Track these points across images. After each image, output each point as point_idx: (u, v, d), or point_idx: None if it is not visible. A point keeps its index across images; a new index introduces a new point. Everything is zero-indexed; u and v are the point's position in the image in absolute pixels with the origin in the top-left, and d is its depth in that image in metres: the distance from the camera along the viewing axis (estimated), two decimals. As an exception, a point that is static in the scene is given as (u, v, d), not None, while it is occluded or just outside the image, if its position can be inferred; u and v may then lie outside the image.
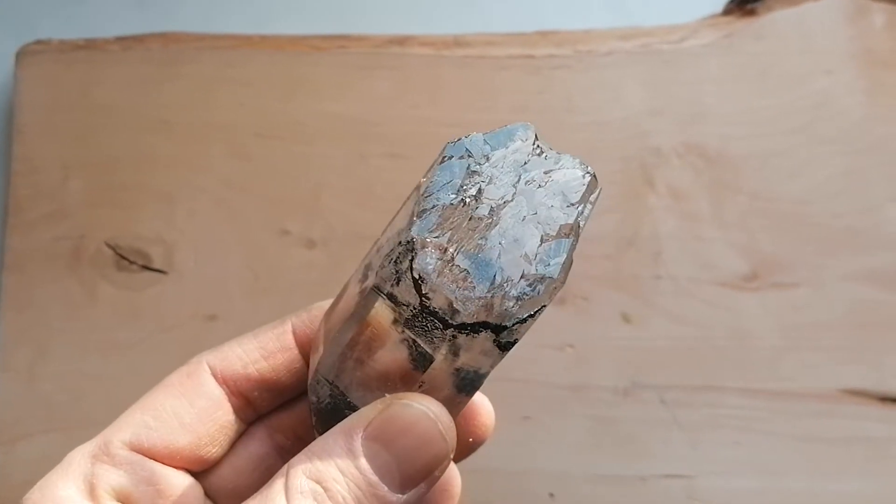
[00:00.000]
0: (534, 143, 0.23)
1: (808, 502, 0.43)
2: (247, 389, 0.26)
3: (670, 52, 0.50)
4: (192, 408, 0.25)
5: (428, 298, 0.21)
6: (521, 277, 0.21)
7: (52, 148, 0.49)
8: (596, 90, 0.49)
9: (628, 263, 0.47)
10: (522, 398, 0.45)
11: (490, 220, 0.21)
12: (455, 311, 0.21)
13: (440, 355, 0.22)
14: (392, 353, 0.22)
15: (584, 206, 0.22)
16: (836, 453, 0.44)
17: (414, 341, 0.22)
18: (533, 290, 0.21)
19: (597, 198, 0.23)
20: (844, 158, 0.48)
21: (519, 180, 0.22)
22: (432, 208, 0.21)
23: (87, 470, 0.24)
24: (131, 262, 0.47)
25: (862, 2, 0.50)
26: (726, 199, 0.48)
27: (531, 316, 0.22)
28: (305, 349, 0.27)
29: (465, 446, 0.28)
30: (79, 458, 0.24)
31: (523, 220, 0.22)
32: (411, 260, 0.21)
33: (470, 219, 0.21)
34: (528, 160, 0.22)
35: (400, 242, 0.21)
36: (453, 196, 0.21)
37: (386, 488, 0.22)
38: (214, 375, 0.26)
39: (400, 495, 0.22)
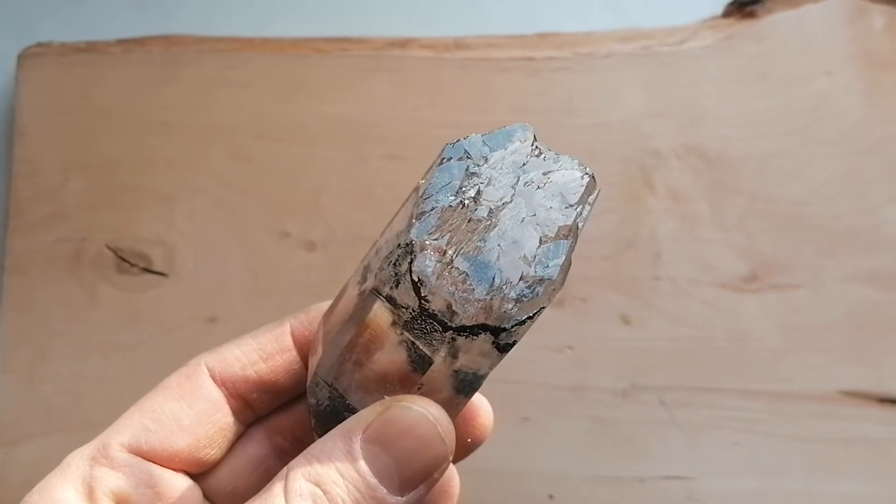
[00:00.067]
0: (532, 144, 0.23)
1: (808, 503, 0.43)
2: (245, 391, 0.26)
3: (670, 54, 0.50)
4: (190, 410, 0.25)
5: (427, 301, 0.21)
6: (520, 279, 0.21)
7: (52, 150, 0.49)
8: (596, 92, 0.50)
9: (628, 265, 0.47)
10: (521, 399, 0.45)
11: (489, 222, 0.21)
12: (454, 314, 0.21)
13: (439, 357, 0.22)
14: (391, 355, 0.22)
15: (583, 208, 0.22)
16: (836, 454, 0.44)
17: (413, 343, 0.22)
18: (532, 292, 0.21)
19: (595, 199, 0.23)
20: (844, 160, 0.48)
21: (518, 181, 0.22)
22: (431, 210, 0.21)
23: (86, 472, 0.24)
24: (132, 265, 0.47)
25: (861, 3, 0.50)
26: (726, 200, 0.48)
27: (530, 318, 0.22)
28: (304, 351, 0.27)
29: (464, 447, 0.28)
30: (77, 461, 0.24)
31: (522, 221, 0.22)
32: (410, 262, 0.21)
33: (469, 220, 0.21)
34: (527, 161, 0.22)
35: (399, 245, 0.21)
36: (452, 198, 0.21)
37: (385, 490, 0.22)
38: (213, 377, 0.26)
39: (399, 497, 0.22)
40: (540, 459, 0.44)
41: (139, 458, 0.24)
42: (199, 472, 0.26)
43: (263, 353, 0.26)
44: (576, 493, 0.43)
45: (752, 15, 0.51)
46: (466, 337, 0.21)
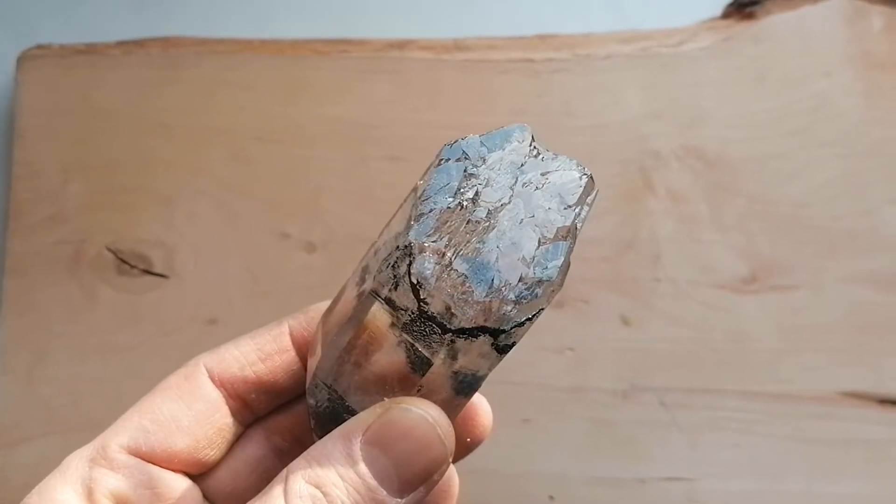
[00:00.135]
0: (530, 145, 0.23)
1: (808, 504, 0.43)
2: (244, 392, 0.26)
3: (669, 55, 0.50)
4: (189, 411, 0.25)
5: (426, 303, 0.21)
6: (519, 281, 0.21)
7: (52, 152, 0.49)
8: (595, 93, 0.50)
9: (627, 266, 0.47)
10: (522, 401, 0.45)
11: (487, 224, 0.21)
12: (453, 316, 0.21)
13: (438, 359, 0.22)
14: (390, 357, 0.22)
15: (582, 208, 0.22)
16: (836, 455, 0.44)
17: (412, 345, 0.22)
18: (531, 294, 0.21)
19: (594, 199, 0.23)
20: (843, 161, 0.48)
21: (516, 182, 0.22)
22: (429, 212, 0.21)
23: (85, 474, 0.24)
24: (132, 266, 0.47)
25: (860, 4, 0.50)
26: (725, 201, 0.48)
27: (529, 319, 0.21)
28: (303, 351, 0.27)
29: (464, 446, 0.28)
30: (77, 462, 0.24)
31: (521, 222, 0.21)
32: (409, 264, 0.21)
33: (467, 222, 0.21)
34: (525, 162, 0.22)
35: (398, 247, 0.21)
36: (450, 199, 0.21)
37: (385, 492, 0.22)
38: (212, 378, 0.26)
39: (399, 499, 0.22)
40: (540, 460, 0.44)
41: (138, 460, 0.24)
42: (199, 473, 0.26)
43: (262, 353, 0.26)
44: (576, 494, 0.43)
45: (751, 16, 0.51)
46: (465, 339, 0.21)
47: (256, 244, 0.47)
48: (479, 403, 0.28)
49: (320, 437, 0.23)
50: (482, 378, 0.23)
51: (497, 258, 0.21)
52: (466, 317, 0.21)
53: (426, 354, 0.22)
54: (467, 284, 0.21)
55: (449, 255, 0.21)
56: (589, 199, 0.22)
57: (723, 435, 0.44)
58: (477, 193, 0.22)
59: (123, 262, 0.47)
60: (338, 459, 0.22)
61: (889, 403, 0.44)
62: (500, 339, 0.22)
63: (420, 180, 0.22)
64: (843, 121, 0.49)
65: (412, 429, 0.22)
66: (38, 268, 0.47)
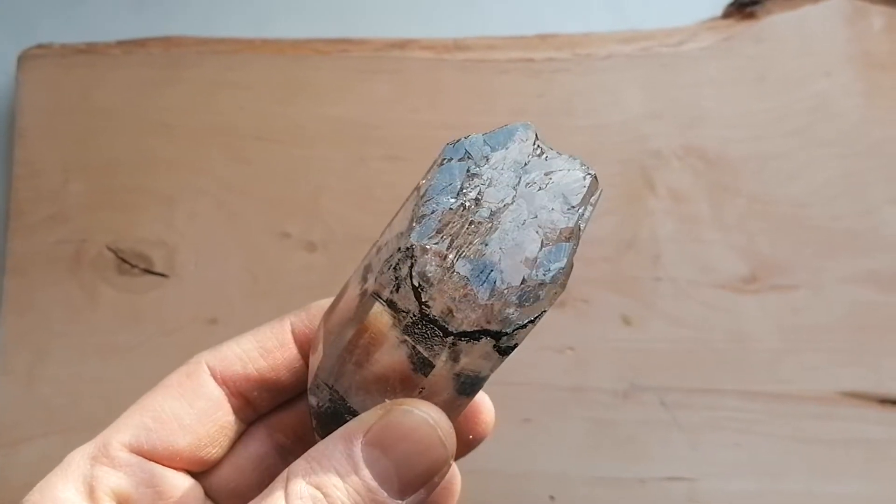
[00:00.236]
0: (534, 144, 0.22)
1: (808, 504, 0.43)
2: (246, 389, 0.26)
3: (669, 55, 0.50)
4: (191, 409, 0.25)
5: (428, 306, 0.21)
6: (522, 283, 0.21)
7: (53, 151, 0.49)
8: (595, 93, 0.50)
9: (628, 266, 0.47)
10: (522, 401, 0.45)
11: (490, 225, 0.21)
12: (455, 319, 0.21)
13: (440, 360, 0.22)
14: (391, 358, 0.22)
15: (585, 209, 0.22)
16: (836, 455, 0.44)
17: (413, 347, 0.22)
18: (533, 296, 0.21)
19: (598, 199, 0.22)
20: (843, 161, 0.48)
21: (519, 182, 0.22)
22: (431, 213, 0.21)
23: (87, 472, 0.24)
24: (132, 266, 0.47)
25: (860, 4, 0.50)
26: (725, 201, 0.48)
27: (532, 321, 0.21)
28: (305, 348, 0.27)
29: (466, 444, 0.28)
30: (78, 460, 0.24)
31: (523, 223, 0.21)
32: (411, 267, 0.21)
33: (470, 223, 0.21)
34: (529, 161, 0.22)
35: (399, 248, 0.21)
36: (453, 200, 0.21)
37: (385, 494, 0.22)
38: (214, 376, 0.26)
39: (399, 501, 0.22)
40: (541, 460, 0.44)
41: (140, 458, 0.24)
42: (201, 471, 0.26)
43: (264, 350, 0.26)
44: (576, 494, 0.43)
45: (751, 16, 0.51)
46: (467, 342, 0.21)
47: (257, 244, 0.47)
48: (482, 401, 0.28)
49: (322, 437, 0.23)
50: (484, 378, 0.23)
51: (499, 260, 0.21)
52: (468, 320, 0.21)
53: (428, 356, 0.22)
54: (469, 287, 0.21)
55: (451, 257, 0.21)
56: (593, 199, 0.22)
57: (723, 435, 0.44)
58: (480, 194, 0.21)
59: (124, 261, 0.47)
60: (338, 461, 0.22)
61: (889, 403, 0.44)
62: (502, 341, 0.22)
63: (422, 180, 0.22)
64: (844, 121, 0.49)
65: (413, 431, 0.22)
66: (39, 267, 0.47)
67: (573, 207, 0.22)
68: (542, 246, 0.21)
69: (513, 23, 0.54)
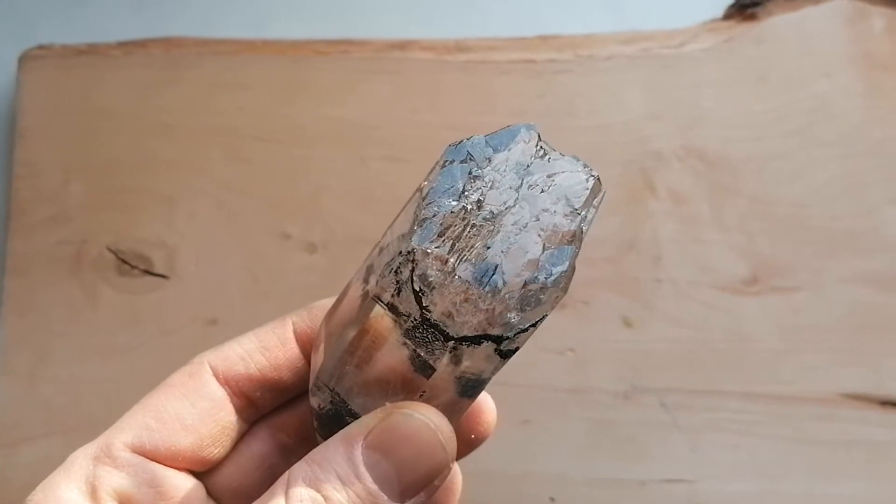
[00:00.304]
0: (537, 145, 0.22)
1: (808, 505, 0.43)
2: (249, 389, 0.26)
3: (671, 56, 0.50)
4: (193, 409, 0.25)
5: (428, 311, 0.21)
6: (523, 287, 0.21)
7: (53, 152, 0.49)
8: (596, 94, 0.50)
9: (629, 267, 0.47)
10: (523, 401, 0.45)
11: (492, 228, 0.21)
12: (456, 324, 0.21)
13: (443, 362, 0.21)
14: (392, 360, 0.22)
15: (588, 211, 0.22)
16: (836, 457, 0.44)
17: (415, 350, 0.21)
18: (535, 300, 0.21)
19: (601, 201, 0.22)
20: (843, 161, 0.48)
21: (521, 184, 0.21)
22: (433, 217, 0.21)
23: (89, 472, 0.24)
24: (133, 267, 0.47)
25: (861, 5, 0.50)
26: (726, 202, 0.48)
27: (533, 325, 0.21)
28: (307, 348, 0.27)
29: (468, 444, 0.28)
30: (81, 460, 0.24)
31: (525, 226, 0.21)
32: (412, 271, 0.21)
33: (471, 226, 0.21)
34: (531, 163, 0.22)
35: (400, 252, 0.21)
36: (454, 203, 0.21)
37: (386, 497, 0.21)
38: (216, 376, 0.26)
39: None
40: (541, 461, 0.44)
41: (142, 458, 0.24)
42: (203, 471, 0.26)
43: (266, 350, 0.26)
44: (576, 495, 0.43)
45: (752, 17, 0.51)
46: (469, 346, 0.21)
47: (257, 244, 0.47)
48: (484, 401, 0.28)
49: (323, 438, 0.23)
50: (486, 380, 0.23)
51: (501, 264, 0.21)
52: (469, 324, 0.21)
53: (429, 360, 0.21)
54: (470, 291, 0.21)
55: (452, 261, 0.21)
56: (595, 202, 0.22)
57: (723, 436, 0.44)
58: (481, 196, 0.21)
59: (124, 262, 0.47)
60: (339, 464, 0.22)
61: (890, 405, 0.44)
62: (504, 345, 0.21)
63: (424, 181, 0.22)
64: (844, 121, 0.49)
65: (414, 434, 0.22)
66: (40, 268, 0.47)
67: (576, 210, 0.21)
68: (543, 249, 0.21)
69: (513, 23, 0.54)
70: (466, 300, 0.21)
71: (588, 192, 0.22)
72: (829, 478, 0.43)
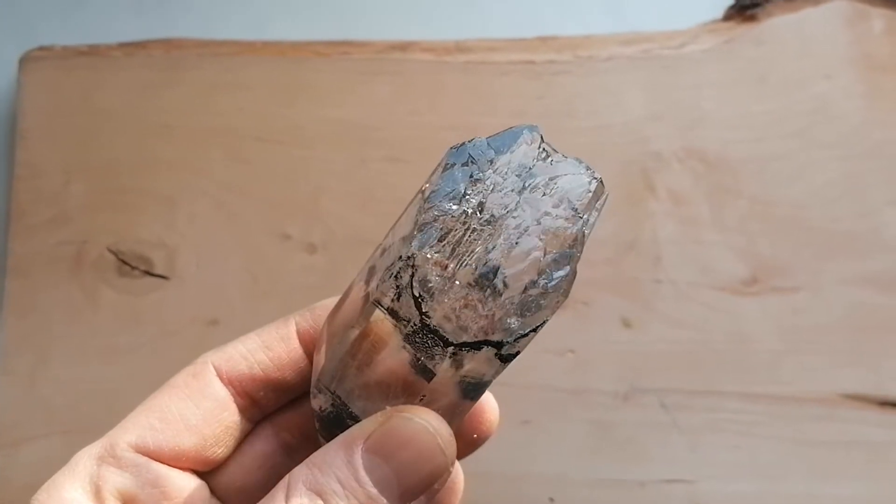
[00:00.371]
0: (539, 147, 0.22)
1: (808, 506, 0.43)
2: (252, 390, 0.26)
3: (670, 57, 0.50)
4: (197, 409, 0.25)
5: (428, 317, 0.21)
6: (524, 292, 0.20)
7: (54, 153, 0.49)
8: (596, 95, 0.50)
9: (628, 268, 0.47)
10: (523, 402, 0.45)
11: (493, 231, 0.21)
12: (456, 330, 0.21)
13: (444, 365, 0.21)
14: (393, 364, 0.22)
15: (590, 214, 0.21)
16: (836, 457, 0.44)
17: (415, 355, 0.21)
18: (536, 305, 0.21)
19: (603, 204, 0.22)
20: (843, 163, 0.48)
21: (523, 187, 0.21)
22: (433, 221, 0.21)
23: (93, 472, 0.24)
24: (133, 268, 0.47)
25: (861, 7, 0.50)
26: (726, 203, 0.48)
27: (533, 330, 0.21)
28: (310, 348, 0.27)
29: (470, 443, 0.28)
30: (85, 460, 0.24)
31: (527, 230, 0.21)
32: (411, 276, 0.20)
33: (472, 230, 0.21)
34: (533, 165, 0.22)
35: (400, 257, 0.21)
36: (455, 207, 0.21)
37: (385, 501, 0.22)
38: (220, 376, 0.26)
39: None
40: (541, 462, 0.44)
41: (146, 458, 0.24)
42: (207, 471, 0.26)
43: (270, 351, 0.26)
44: (576, 496, 0.43)
45: (752, 19, 0.51)
46: (468, 351, 0.21)
47: (257, 245, 0.47)
48: (486, 400, 0.28)
49: (325, 439, 0.23)
50: (488, 383, 0.23)
51: (502, 269, 0.20)
52: (469, 330, 0.21)
53: (428, 365, 0.21)
54: (470, 297, 0.20)
55: (452, 266, 0.20)
56: (598, 205, 0.22)
57: (723, 437, 0.44)
58: (483, 199, 0.21)
59: (125, 263, 0.47)
60: (339, 467, 0.22)
61: (889, 405, 0.44)
62: (504, 350, 0.21)
63: (426, 183, 0.22)
64: (844, 123, 0.49)
65: (413, 438, 0.22)
66: (40, 269, 0.47)
67: (578, 214, 0.21)
68: (545, 253, 0.21)
69: (513, 24, 0.54)
70: (466, 306, 0.21)
71: (590, 194, 0.21)
72: (828, 478, 0.43)
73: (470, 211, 0.21)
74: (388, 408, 0.22)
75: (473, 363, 0.22)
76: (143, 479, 0.24)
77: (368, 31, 0.52)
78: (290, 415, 0.28)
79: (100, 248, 0.47)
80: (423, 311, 0.21)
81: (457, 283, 0.20)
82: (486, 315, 0.21)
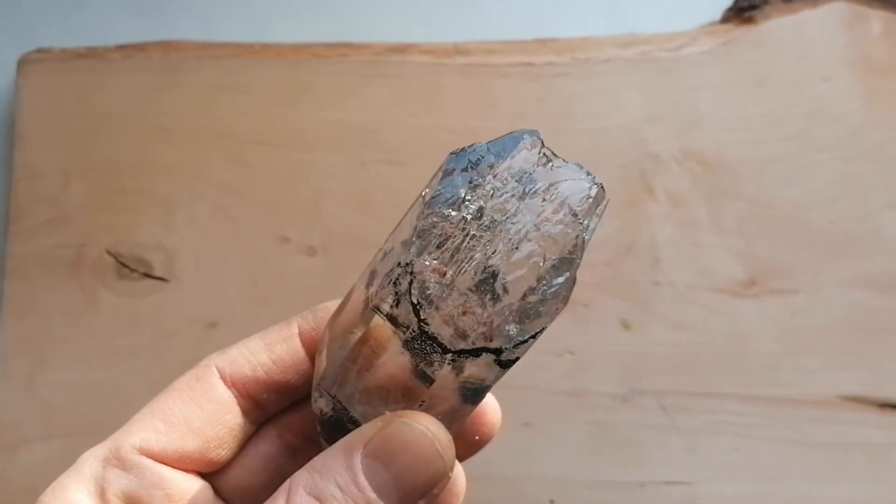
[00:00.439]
0: (540, 151, 0.22)
1: (807, 508, 0.43)
2: (256, 392, 0.26)
3: (669, 59, 0.50)
4: (201, 412, 0.25)
5: (426, 324, 0.21)
6: (523, 299, 0.20)
7: (53, 155, 0.49)
8: (595, 97, 0.50)
9: (627, 270, 0.47)
10: (523, 405, 0.45)
11: (492, 237, 0.21)
12: (454, 337, 0.21)
13: (443, 371, 0.21)
14: (392, 369, 0.22)
15: (590, 220, 0.21)
16: (835, 459, 0.44)
17: (414, 361, 0.21)
18: (534, 312, 0.21)
19: (604, 209, 0.22)
20: (842, 165, 0.48)
21: (523, 193, 0.21)
22: (432, 227, 0.21)
23: (98, 473, 0.24)
24: (132, 270, 0.47)
25: (859, 9, 0.51)
26: (724, 205, 0.48)
27: (532, 337, 0.21)
28: (312, 350, 0.27)
29: (472, 445, 0.28)
30: (90, 462, 0.24)
31: (526, 237, 0.21)
32: (410, 283, 0.20)
33: (471, 237, 0.21)
34: (534, 171, 0.21)
35: (399, 263, 0.21)
36: (454, 213, 0.21)
37: None
38: (223, 378, 0.26)
39: None
40: (541, 464, 0.44)
41: (150, 460, 0.24)
42: (211, 472, 0.26)
43: (272, 353, 0.27)
44: (576, 498, 0.43)
45: (750, 21, 0.51)
46: (467, 358, 0.21)
47: (257, 248, 0.47)
48: (488, 402, 0.28)
49: (327, 442, 0.23)
50: (489, 387, 0.23)
51: (501, 276, 0.20)
52: (468, 338, 0.21)
53: (427, 371, 0.21)
54: (468, 305, 0.20)
55: (450, 273, 0.20)
56: (598, 210, 0.21)
57: (722, 438, 0.44)
58: (482, 205, 0.21)
59: (124, 265, 0.47)
60: (338, 472, 0.22)
61: (889, 407, 0.45)
62: (503, 356, 0.21)
63: (426, 188, 0.22)
64: (842, 125, 0.49)
65: (412, 443, 0.22)
66: (39, 271, 0.47)
67: (578, 219, 0.21)
68: (544, 259, 0.21)
69: (512, 26, 0.54)
70: (465, 313, 0.20)
71: (591, 200, 0.21)
72: (827, 480, 0.44)
73: (469, 217, 0.21)
74: (387, 413, 0.22)
75: (473, 369, 0.22)
76: (147, 481, 0.24)
77: (367, 33, 0.52)
78: (293, 416, 0.28)
79: (99, 251, 0.47)
80: (422, 318, 0.21)
81: (455, 289, 0.20)
82: (485, 322, 0.20)
